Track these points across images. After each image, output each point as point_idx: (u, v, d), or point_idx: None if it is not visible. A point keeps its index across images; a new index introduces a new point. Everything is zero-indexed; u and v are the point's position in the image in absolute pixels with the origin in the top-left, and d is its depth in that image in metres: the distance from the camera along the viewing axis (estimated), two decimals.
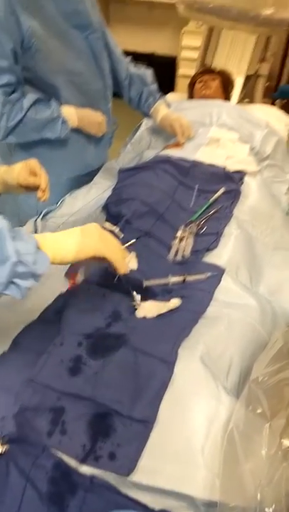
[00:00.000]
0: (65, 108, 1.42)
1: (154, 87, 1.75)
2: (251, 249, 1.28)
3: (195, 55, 2.65)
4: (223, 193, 1.42)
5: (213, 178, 1.50)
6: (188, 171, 1.52)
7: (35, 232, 1.34)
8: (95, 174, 1.68)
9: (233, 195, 1.42)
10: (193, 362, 0.87)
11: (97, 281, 1.07)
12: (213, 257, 1.19)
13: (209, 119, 1.84)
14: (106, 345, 0.90)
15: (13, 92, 1.28)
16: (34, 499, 0.69)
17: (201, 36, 2.52)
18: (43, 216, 1.40)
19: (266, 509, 0.62)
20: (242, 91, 2.30)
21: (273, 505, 0.62)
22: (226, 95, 2.13)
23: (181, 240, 1.24)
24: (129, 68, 1.69)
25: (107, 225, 1.27)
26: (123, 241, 1.17)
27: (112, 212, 1.33)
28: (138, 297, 1.01)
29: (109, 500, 0.71)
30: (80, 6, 1.34)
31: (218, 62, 2.31)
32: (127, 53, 1.71)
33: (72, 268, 1.13)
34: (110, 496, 0.71)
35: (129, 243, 1.16)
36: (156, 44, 4.24)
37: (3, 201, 1.54)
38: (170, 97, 2.23)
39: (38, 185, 1.06)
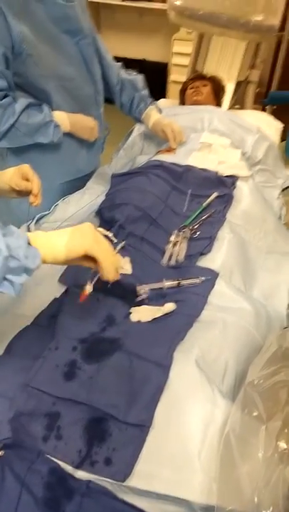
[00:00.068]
0: (56, 113, 1.42)
1: (146, 92, 1.76)
2: (244, 253, 1.29)
3: (186, 61, 2.67)
4: (216, 198, 1.43)
5: (205, 182, 1.50)
6: (181, 176, 1.52)
7: None
8: (88, 179, 1.68)
9: (226, 200, 1.43)
10: (188, 366, 0.86)
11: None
12: (206, 262, 1.19)
13: (201, 124, 1.85)
14: (101, 350, 0.90)
15: (4, 97, 1.28)
16: (30, 504, 0.68)
17: (192, 43, 2.54)
18: (36, 221, 1.40)
19: None
20: (233, 97, 2.32)
21: (271, 508, 0.62)
22: (218, 101, 2.15)
23: (174, 244, 1.24)
24: (120, 74, 1.69)
25: (101, 230, 1.26)
26: (116, 246, 1.17)
27: (106, 218, 1.33)
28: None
29: (105, 506, 0.70)
30: (71, 11, 1.35)
31: (209, 69, 2.33)
32: (118, 59, 1.72)
33: (66, 275, 1.13)
34: (107, 501, 0.71)
35: (120, 246, 1.16)
36: (147, 50, 4.27)
37: None
38: (161, 103, 2.25)
39: (31, 190, 1.06)
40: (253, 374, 0.82)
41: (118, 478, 0.72)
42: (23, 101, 1.32)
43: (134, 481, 0.72)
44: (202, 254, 1.21)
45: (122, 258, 1.14)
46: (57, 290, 1.09)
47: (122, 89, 1.72)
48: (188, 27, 2.72)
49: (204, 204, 1.40)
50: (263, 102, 2.86)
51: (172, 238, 1.26)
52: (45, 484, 0.71)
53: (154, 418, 0.78)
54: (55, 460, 0.74)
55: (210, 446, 0.75)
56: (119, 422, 0.78)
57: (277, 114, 2.53)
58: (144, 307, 1.02)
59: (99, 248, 0.83)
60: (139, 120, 1.82)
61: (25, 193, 1.07)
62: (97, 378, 0.84)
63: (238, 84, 2.38)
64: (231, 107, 2.35)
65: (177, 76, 3.46)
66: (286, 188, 1.86)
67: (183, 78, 2.46)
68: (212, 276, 1.11)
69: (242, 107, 2.50)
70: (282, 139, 2.35)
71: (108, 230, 1.25)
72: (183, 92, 2.22)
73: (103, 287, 1.04)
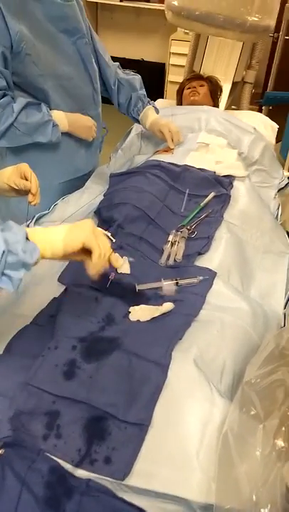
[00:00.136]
0: (55, 112, 1.42)
1: (143, 92, 1.77)
2: (242, 252, 1.30)
3: (183, 61, 2.69)
4: (214, 198, 1.44)
5: (203, 182, 1.51)
6: (179, 176, 1.53)
7: None
8: (87, 179, 1.68)
9: (223, 200, 1.44)
10: (186, 365, 0.87)
11: (90, 284, 1.07)
12: (204, 261, 1.20)
13: (198, 124, 1.86)
14: (100, 349, 0.90)
15: (3, 96, 1.28)
16: (30, 503, 0.68)
17: (189, 43, 2.55)
18: (36, 221, 1.40)
19: (262, 510, 0.63)
20: (229, 98, 2.33)
21: (269, 506, 0.63)
22: (214, 101, 2.16)
23: (172, 244, 1.25)
24: (117, 73, 1.70)
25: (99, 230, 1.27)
26: (115, 246, 1.18)
27: (104, 217, 1.34)
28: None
29: (105, 504, 0.70)
30: (68, 10, 1.35)
31: (206, 69, 2.35)
32: (116, 59, 1.73)
33: (65, 274, 1.13)
34: (107, 499, 0.71)
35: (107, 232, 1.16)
36: (145, 50, 4.28)
37: None
38: (159, 103, 2.26)
39: (29, 189, 1.06)
40: (250, 373, 0.82)
41: (117, 477, 0.72)
42: (21, 100, 1.33)
43: (134, 479, 0.72)
44: (200, 253, 1.22)
45: (120, 258, 1.15)
46: (56, 290, 1.09)
47: (119, 89, 1.72)
48: (185, 27, 2.72)
49: (202, 204, 1.41)
50: (259, 102, 2.87)
51: (170, 238, 1.27)
52: (45, 483, 0.71)
53: (153, 417, 0.79)
54: (55, 459, 0.74)
55: (208, 445, 0.76)
56: (118, 420, 0.78)
57: (273, 115, 2.54)
58: (142, 307, 1.02)
59: (96, 241, 0.83)
60: (136, 120, 1.82)
61: (23, 192, 1.08)
62: (97, 377, 0.84)
63: (235, 84, 2.39)
64: (228, 107, 2.36)
65: (175, 76, 3.47)
66: (282, 188, 1.87)
67: (180, 78, 2.47)
68: (210, 275, 1.12)
69: (238, 108, 2.52)
70: (278, 139, 2.37)
71: (106, 229, 1.26)
72: (180, 92, 2.23)
73: (102, 286, 1.06)
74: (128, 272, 1.13)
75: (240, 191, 1.53)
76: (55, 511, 0.69)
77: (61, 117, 1.44)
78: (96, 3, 4.09)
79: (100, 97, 1.64)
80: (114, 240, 1.20)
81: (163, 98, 2.82)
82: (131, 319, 1.00)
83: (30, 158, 1.25)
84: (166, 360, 0.87)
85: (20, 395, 0.81)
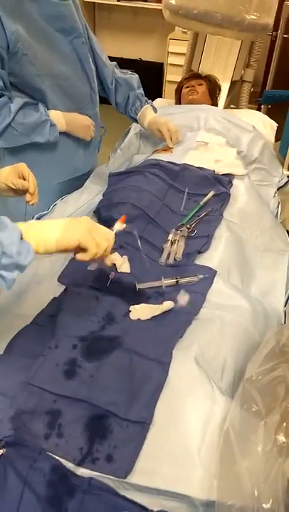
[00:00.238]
0: (52, 112, 1.42)
1: (141, 91, 1.77)
2: (242, 251, 1.30)
3: (182, 61, 2.68)
4: (213, 196, 1.44)
5: (202, 181, 1.51)
6: (178, 175, 1.53)
7: None
8: (86, 179, 1.68)
9: (223, 198, 1.44)
10: (187, 363, 0.87)
11: (90, 284, 1.07)
12: (204, 260, 1.20)
13: (197, 123, 1.86)
14: (100, 348, 0.90)
15: (0, 97, 1.29)
16: (32, 502, 0.69)
17: (187, 42, 2.55)
18: None
19: (263, 505, 0.63)
20: (228, 97, 2.33)
21: (271, 501, 0.63)
22: (213, 100, 2.16)
23: (172, 243, 1.25)
24: (115, 73, 1.70)
25: None
26: (115, 246, 1.17)
27: (104, 217, 1.33)
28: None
29: (107, 502, 0.71)
30: (64, 10, 1.36)
31: (204, 68, 2.34)
32: (114, 59, 1.73)
33: (65, 274, 1.13)
34: (109, 497, 0.71)
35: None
36: (143, 50, 4.28)
37: None
38: (157, 102, 2.26)
39: (27, 189, 1.06)
40: (251, 370, 0.82)
41: (119, 475, 0.72)
42: (18, 100, 1.33)
43: (136, 477, 0.73)
44: (200, 252, 1.22)
45: (120, 257, 1.15)
46: (56, 290, 1.09)
47: (116, 88, 1.72)
48: (183, 26, 2.72)
49: (201, 203, 1.41)
50: (258, 101, 2.87)
51: (170, 237, 1.27)
52: (47, 482, 0.71)
53: (154, 415, 0.79)
54: (57, 458, 0.74)
55: (210, 443, 0.76)
56: (120, 419, 0.78)
57: (272, 113, 2.54)
58: (143, 305, 1.02)
59: (92, 240, 0.83)
60: (134, 119, 1.82)
61: (21, 192, 1.07)
62: (98, 376, 0.84)
63: (233, 83, 2.39)
64: (226, 106, 2.36)
65: (173, 76, 3.47)
66: (282, 186, 1.87)
67: (178, 78, 2.47)
68: (210, 274, 1.12)
69: (237, 107, 2.51)
70: (277, 138, 2.37)
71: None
72: (178, 92, 2.23)
73: (102, 285, 1.06)
74: (128, 271, 1.13)
75: (239, 190, 1.53)
76: (57, 510, 0.69)
77: (59, 117, 1.44)
78: (93, 3, 4.09)
79: (98, 97, 1.64)
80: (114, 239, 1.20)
81: (161, 98, 2.82)
82: (131, 318, 1.00)
83: (29, 159, 1.25)
84: (167, 359, 0.87)
85: (21, 395, 0.81)
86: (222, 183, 1.51)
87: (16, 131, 1.35)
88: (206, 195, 1.44)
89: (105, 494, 0.71)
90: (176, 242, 1.25)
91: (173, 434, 0.77)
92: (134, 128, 2.03)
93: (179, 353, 0.89)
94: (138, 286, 1.07)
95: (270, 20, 2.00)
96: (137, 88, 1.75)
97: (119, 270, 1.11)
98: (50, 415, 0.79)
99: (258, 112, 2.49)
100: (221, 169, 1.57)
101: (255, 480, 0.66)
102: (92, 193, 1.56)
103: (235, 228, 1.35)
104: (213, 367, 0.90)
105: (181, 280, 1.09)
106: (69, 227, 0.81)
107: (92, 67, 1.55)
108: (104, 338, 0.93)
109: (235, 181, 1.55)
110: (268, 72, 3.19)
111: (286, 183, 1.89)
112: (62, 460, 0.74)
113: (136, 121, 1.83)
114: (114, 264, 1.12)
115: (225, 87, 2.28)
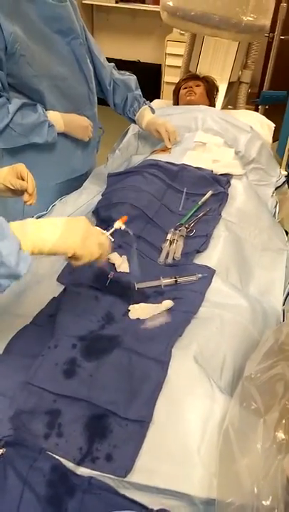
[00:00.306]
0: (50, 113, 1.42)
1: (139, 92, 1.77)
2: (240, 250, 1.30)
3: (179, 62, 2.69)
4: (211, 196, 1.44)
5: (200, 181, 1.52)
6: (177, 175, 1.53)
7: None
8: (84, 179, 1.69)
9: (221, 198, 1.44)
10: (187, 361, 0.87)
11: (89, 284, 1.07)
12: (203, 259, 1.20)
13: (195, 123, 1.86)
14: (100, 347, 0.90)
15: None
16: (32, 502, 0.68)
17: (185, 44, 2.56)
18: None
19: (263, 502, 0.63)
20: (225, 98, 2.33)
21: (270, 498, 0.63)
22: (211, 101, 2.16)
23: (171, 242, 1.25)
24: (113, 74, 1.70)
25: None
26: (114, 246, 1.18)
27: (102, 217, 1.34)
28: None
29: (107, 502, 0.71)
30: (62, 11, 1.36)
31: (202, 70, 2.35)
32: (112, 61, 1.73)
33: (64, 274, 1.13)
34: (109, 496, 0.71)
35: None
36: (141, 52, 4.29)
37: None
38: (155, 103, 2.26)
39: (25, 189, 1.06)
40: (250, 368, 0.82)
41: (119, 474, 0.72)
42: (16, 101, 1.33)
43: (135, 476, 0.73)
44: (198, 251, 1.22)
45: (119, 257, 1.15)
46: (55, 289, 1.09)
47: (114, 89, 1.73)
48: (180, 28, 2.73)
49: (200, 202, 1.42)
50: (255, 102, 2.87)
51: (169, 236, 1.27)
52: (47, 482, 0.71)
53: (153, 414, 0.79)
54: (57, 457, 0.74)
55: (209, 441, 0.76)
56: (119, 418, 0.78)
57: (269, 114, 2.55)
58: (142, 305, 1.02)
59: (85, 249, 0.83)
60: (132, 120, 1.83)
61: (20, 192, 1.07)
62: (97, 375, 0.84)
63: (231, 84, 2.40)
64: (224, 107, 2.36)
65: (171, 77, 3.48)
66: (279, 186, 1.88)
67: (176, 79, 2.47)
68: (209, 273, 1.12)
69: (235, 107, 2.52)
70: (275, 138, 2.37)
71: (105, 229, 1.25)
72: (176, 92, 2.23)
73: (101, 285, 1.06)
74: (127, 270, 1.13)
75: (237, 189, 1.54)
76: (57, 510, 0.69)
77: (57, 118, 1.44)
78: (91, 5, 4.10)
79: (96, 97, 1.64)
80: (113, 240, 1.20)
81: (159, 99, 2.83)
82: (130, 317, 1.00)
83: (27, 159, 1.25)
84: (166, 357, 0.87)
85: (20, 394, 0.81)
86: (220, 183, 1.51)
87: (15, 132, 1.35)
88: (204, 195, 1.44)
89: (105, 493, 0.71)
90: (175, 241, 1.25)
91: (172, 433, 0.78)
92: (133, 129, 2.03)
93: (178, 351, 0.89)
94: (137, 286, 1.07)
95: (267, 22, 2.01)
96: (134, 89, 1.75)
97: (118, 270, 1.12)
98: (50, 415, 0.79)
99: (255, 113, 2.50)
100: (219, 169, 1.58)
101: (254, 477, 0.66)
102: (91, 194, 1.57)
103: (234, 228, 1.35)
104: (212, 365, 0.90)
105: (180, 279, 1.09)
106: (65, 235, 0.81)
107: (90, 68, 1.55)
108: (104, 337, 0.93)
109: (233, 181, 1.56)
110: (265, 73, 3.19)
111: (284, 182, 1.89)
112: (62, 459, 0.74)
113: (134, 122, 1.83)
114: (114, 264, 1.13)
115: (222, 88, 2.28)
